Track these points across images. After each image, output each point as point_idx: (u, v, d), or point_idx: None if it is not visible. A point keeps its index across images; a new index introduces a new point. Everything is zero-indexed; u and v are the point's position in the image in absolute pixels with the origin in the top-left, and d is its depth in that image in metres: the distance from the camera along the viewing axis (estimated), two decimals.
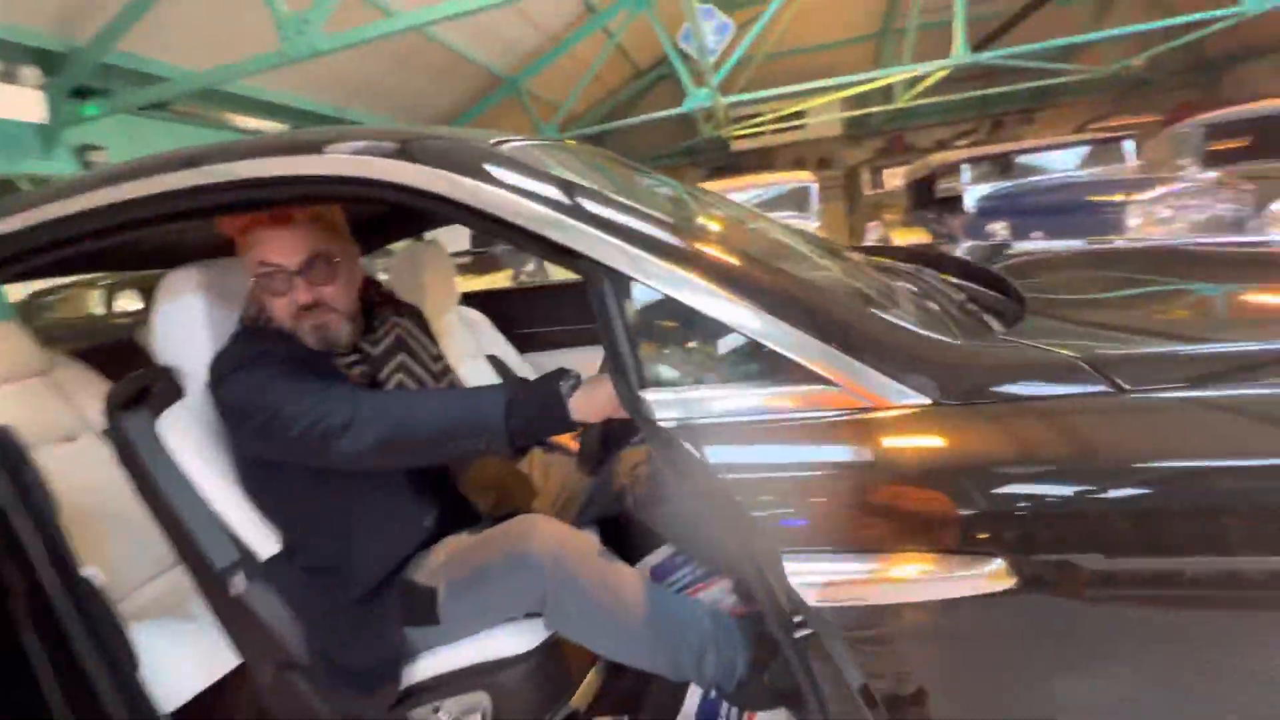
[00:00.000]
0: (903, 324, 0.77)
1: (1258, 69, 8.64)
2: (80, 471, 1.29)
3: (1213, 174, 3.99)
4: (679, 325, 0.81)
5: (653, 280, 0.75)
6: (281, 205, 0.98)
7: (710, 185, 6.28)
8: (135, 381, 1.13)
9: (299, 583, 1.07)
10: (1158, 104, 9.35)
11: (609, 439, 1.23)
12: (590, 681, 1.19)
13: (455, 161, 0.81)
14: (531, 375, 1.81)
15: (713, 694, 1.08)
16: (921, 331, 0.76)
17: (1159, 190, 3.84)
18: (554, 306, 2.23)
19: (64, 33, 3.64)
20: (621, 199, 0.82)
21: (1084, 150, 5.89)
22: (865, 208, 10.65)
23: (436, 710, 1.06)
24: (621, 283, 0.76)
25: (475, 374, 1.83)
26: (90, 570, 1.11)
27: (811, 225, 5.82)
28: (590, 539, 1.04)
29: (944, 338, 0.77)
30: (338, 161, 0.85)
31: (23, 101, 3.31)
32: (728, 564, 1.16)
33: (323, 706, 1.07)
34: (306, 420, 0.90)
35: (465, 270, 5.78)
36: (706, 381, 0.77)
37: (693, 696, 1.18)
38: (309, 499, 1.06)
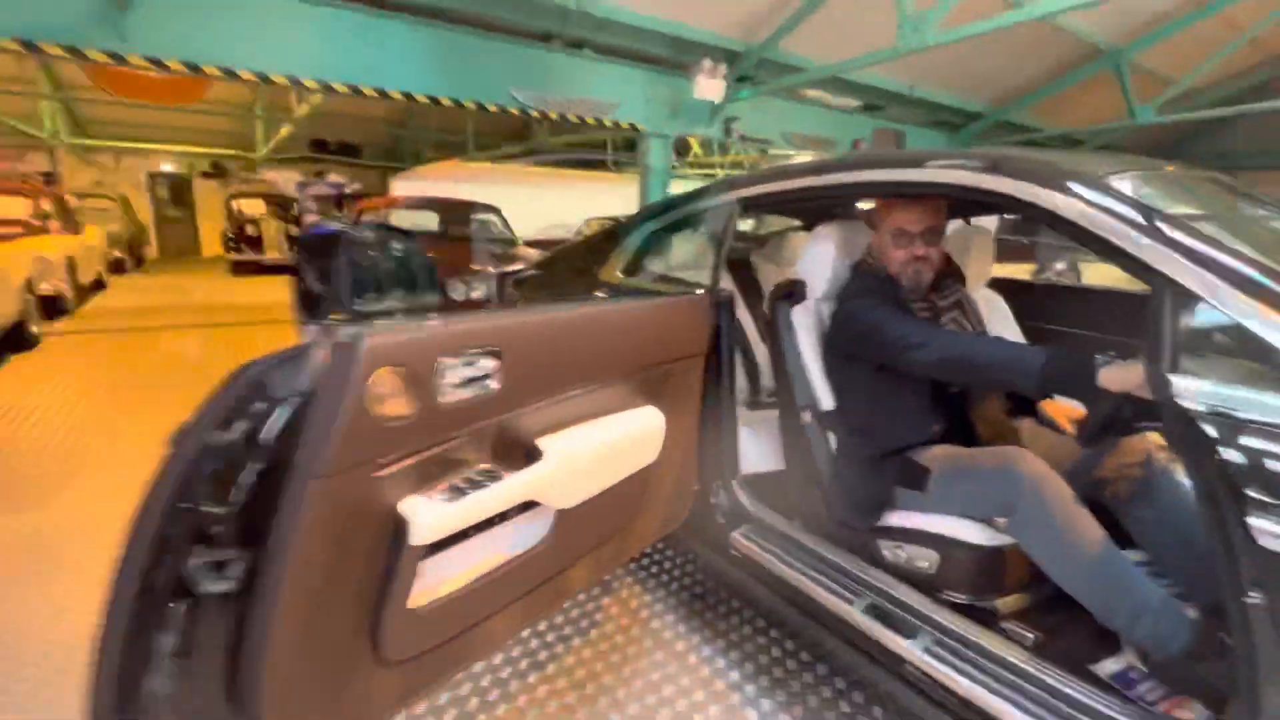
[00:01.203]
0: None
1: None
2: None
3: None
4: (1232, 340, 0.97)
5: (1222, 304, 0.94)
6: (901, 198, 1.53)
7: None
8: (785, 286, 1.90)
9: (840, 431, 1.68)
10: None
11: (1113, 423, 1.41)
12: (1019, 598, 1.48)
13: (1042, 178, 1.16)
14: None
15: (1136, 665, 1.24)
16: None
17: None
18: (1069, 309, 2.28)
19: (745, 35, 5.17)
20: (1209, 227, 1.02)
21: None
22: None
23: (899, 549, 1.55)
24: (1186, 298, 0.98)
25: None
26: None
27: None
28: (1066, 486, 1.30)
29: None
30: (934, 173, 1.32)
31: (713, 87, 4.95)
32: (1195, 567, 1.24)
33: (828, 513, 1.70)
34: (897, 334, 1.43)
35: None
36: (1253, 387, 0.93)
37: (1114, 663, 1.33)
38: (862, 383, 1.64)
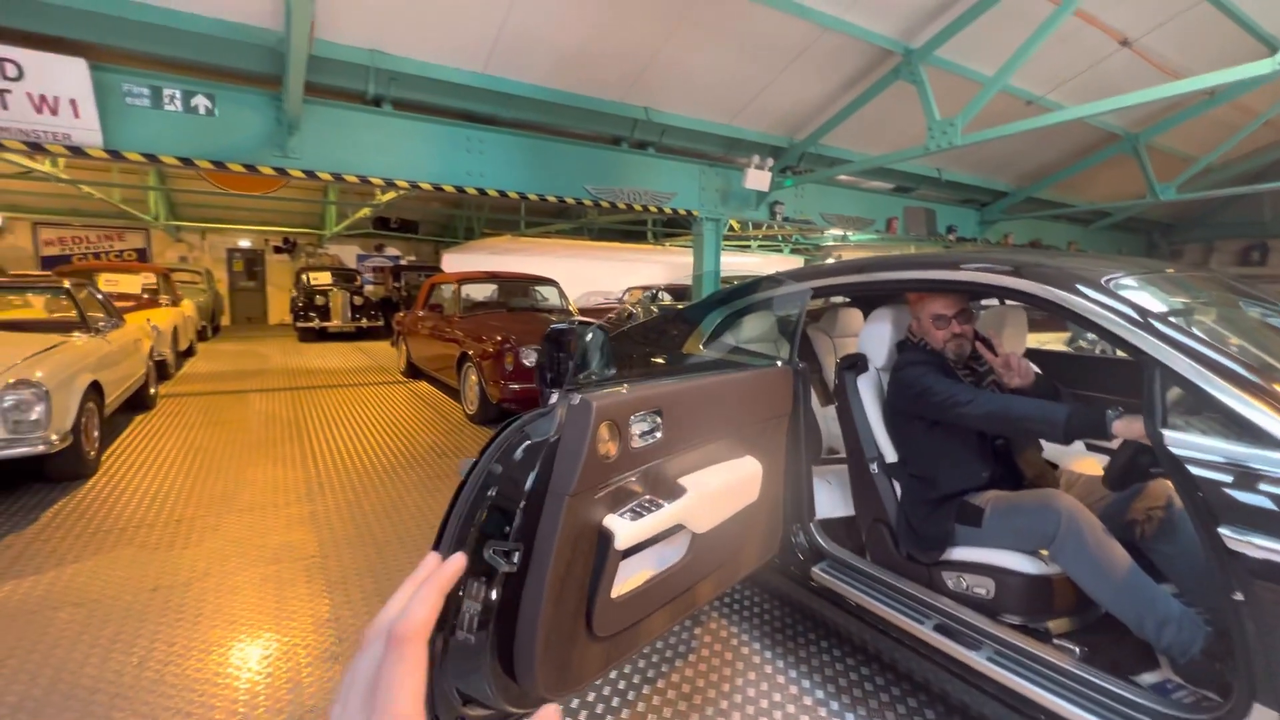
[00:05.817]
0: None
1: None
2: None
3: None
4: (1201, 402, 1.32)
5: (1186, 373, 1.31)
6: (940, 293, 1.94)
7: None
8: (850, 358, 2.30)
9: (904, 479, 2.02)
10: None
11: (1133, 469, 1.73)
12: (1067, 621, 1.76)
13: (1056, 280, 1.55)
14: None
15: (1172, 678, 1.51)
16: None
17: None
18: (1096, 376, 2.63)
19: (788, 134, 5.83)
20: (1188, 320, 1.39)
21: None
22: None
23: (960, 578, 1.86)
24: (1169, 373, 1.34)
25: None
26: None
27: None
28: (1097, 519, 1.62)
29: None
30: (970, 274, 1.72)
31: (760, 179, 5.56)
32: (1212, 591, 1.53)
33: (896, 550, 2.02)
34: (947, 394, 1.81)
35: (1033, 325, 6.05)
36: (1216, 436, 1.29)
37: (1151, 676, 1.60)
38: (921, 438, 1.99)
